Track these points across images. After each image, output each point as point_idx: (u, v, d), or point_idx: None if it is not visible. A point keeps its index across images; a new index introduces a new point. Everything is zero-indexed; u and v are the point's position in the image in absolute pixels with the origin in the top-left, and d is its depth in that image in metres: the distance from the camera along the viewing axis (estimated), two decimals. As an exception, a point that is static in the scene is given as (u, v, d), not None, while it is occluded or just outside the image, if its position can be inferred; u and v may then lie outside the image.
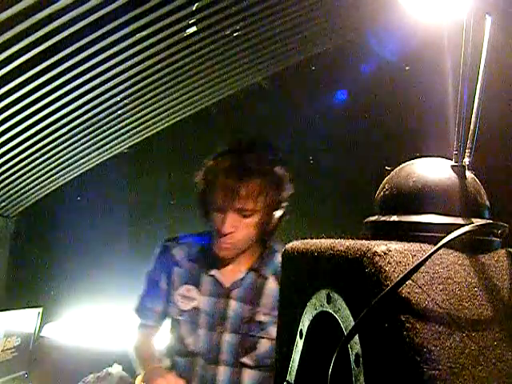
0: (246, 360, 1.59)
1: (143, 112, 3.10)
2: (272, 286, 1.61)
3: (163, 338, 1.76)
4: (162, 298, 1.68)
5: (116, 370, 2.74)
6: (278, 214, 1.56)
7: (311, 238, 0.76)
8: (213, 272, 1.63)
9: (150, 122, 3.28)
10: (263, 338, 1.58)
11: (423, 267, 0.58)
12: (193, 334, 1.60)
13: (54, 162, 3.14)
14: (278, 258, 1.62)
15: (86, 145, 3.13)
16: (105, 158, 3.44)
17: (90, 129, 2.97)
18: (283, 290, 0.83)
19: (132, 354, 1.74)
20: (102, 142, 3.21)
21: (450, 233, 0.61)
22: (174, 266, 1.66)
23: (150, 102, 3.00)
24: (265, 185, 1.50)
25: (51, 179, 3.34)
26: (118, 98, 2.79)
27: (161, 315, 1.71)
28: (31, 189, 3.32)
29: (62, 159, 3.16)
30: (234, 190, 1.47)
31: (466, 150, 0.73)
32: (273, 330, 1.57)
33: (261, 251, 1.64)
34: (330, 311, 0.66)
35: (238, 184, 1.48)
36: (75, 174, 3.46)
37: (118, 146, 3.38)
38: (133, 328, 1.80)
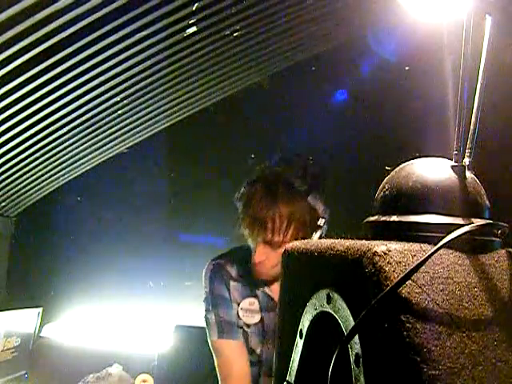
0: None
1: (143, 112, 3.10)
2: None
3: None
4: (233, 311, 1.65)
5: (116, 370, 2.74)
6: (315, 237, 1.53)
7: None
8: (263, 288, 1.64)
9: (149, 122, 3.28)
10: None
11: (423, 267, 0.58)
12: (262, 345, 1.62)
13: (53, 161, 3.14)
14: None
15: (86, 145, 3.13)
16: (105, 158, 3.44)
17: (90, 129, 2.97)
18: (283, 290, 0.83)
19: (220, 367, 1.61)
20: (101, 142, 3.21)
21: (450, 233, 0.61)
22: (230, 281, 1.66)
23: (149, 102, 3.00)
24: (294, 216, 1.47)
25: (51, 179, 3.34)
26: (118, 98, 2.79)
27: (239, 329, 1.64)
28: (31, 189, 3.32)
29: (61, 159, 3.16)
30: (261, 223, 1.47)
31: (466, 150, 0.73)
32: None
33: None
34: (330, 311, 0.66)
35: (266, 217, 1.47)
36: (75, 174, 3.46)
37: (117, 146, 3.38)
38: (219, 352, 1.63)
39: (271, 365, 1.55)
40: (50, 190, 3.47)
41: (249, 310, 1.63)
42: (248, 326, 1.63)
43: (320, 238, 1.55)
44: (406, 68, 2.95)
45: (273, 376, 1.53)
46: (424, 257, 0.57)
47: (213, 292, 1.67)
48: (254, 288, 1.65)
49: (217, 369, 1.62)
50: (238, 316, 1.63)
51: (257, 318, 1.62)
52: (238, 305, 1.64)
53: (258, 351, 1.62)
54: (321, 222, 1.53)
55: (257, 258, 1.53)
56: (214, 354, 1.64)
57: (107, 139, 3.21)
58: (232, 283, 1.66)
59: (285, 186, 1.49)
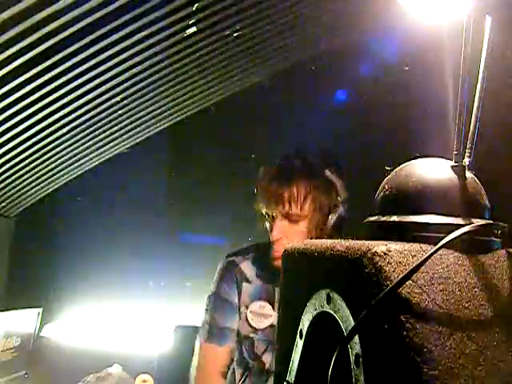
0: None
1: (143, 112, 3.10)
2: None
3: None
4: (236, 316, 1.58)
5: (116, 370, 2.73)
6: (332, 218, 1.48)
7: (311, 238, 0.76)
8: None
9: (150, 122, 3.28)
10: None
11: (423, 267, 0.58)
12: (269, 352, 1.52)
13: (54, 162, 3.14)
14: None
15: (86, 145, 3.13)
16: (105, 158, 3.44)
17: (90, 129, 2.97)
18: (283, 290, 0.83)
19: (194, 372, 1.62)
20: (101, 142, 3.21)
21: (449, 233, 0.61)
22: (243, 282, 1.58)
23: (149, 101, 3.00)
24: (311, 188, 1.45)
25: (51, 179, 3.34)
26: (118, 98, 2.79)
27: (234, 335, 1.59)
28: (31, 189, 3.32)
29: (61, 159, 3.16)
30: (278, 194, 1.44)
31: (466, 151, 0.73)
32: None
33: None
34: (330, 311, 0.66)
35: (282, 188, 1.44)
36: (75, 174, 3.46)
37: (117, 146, 3.38)
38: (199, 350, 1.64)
39: None
40: (50, 190, 3.47)
41: (258, 314, 1.54)
42: (255, 331, 1.54)
43: (339, 219, 1.50)
44: (406, 68, 2.95)
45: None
46: (424, 257, 0.57)
47: (218, 293, 1.61)
48: (272, 289, 1.55)
49: (193, 367, 1.62)
50: (247, 319, 1.55)
51: (266, 323, 1.53)
52: (247, 307, 1.56)
53: (264, 358, 1.53)
54: (339, 199, 1.50)
55: (274, 235, 1.45)
56: (195, 352, 1.63)
57: (107, 139, 3.20)
58: (244, 284, 1.58)
59: (301, 160, 1.51)
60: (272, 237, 1.47)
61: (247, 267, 1.61)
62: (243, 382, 1.57)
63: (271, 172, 1.49)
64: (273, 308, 1.54)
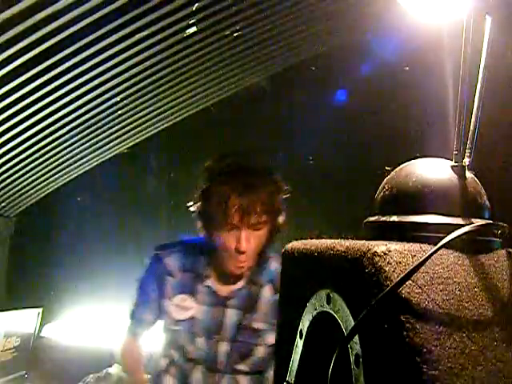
0: (242, 367, 1.61)
1: (143, 112, 3.10)
2: (268, 293, 1.62)
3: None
4: (154, 309, 1.67)
5: (116, 370, 2.73)
6: (280, 220, 1.57)
7: (311, 238, 0.76)
8: (209, 282, 1.62)
9: (150, 122, 3.28)
10: (260, 345, 1.60)
11: (423, 267, 0.58)
12: (192, 343, 1.61)
13: (54, 162, 3.14)
14: (273, 264, 1.64)
15: (86, 145, 3.13)
16: (105, 158, 3.44)
17: (90, 129, 2.97)
18: (283, 290, 0.83)
19: (119, 357, 1.78)
20: (102, 142, 3.21)
21: (449, 233, 0.61)
22: (167, 276, 1.65)
23: (150, 101, 3.00)
24: (270, 195, 1.51)
25: (51, 179, 3.34)
26: (118, 98, 2.79)
27: (151, 324, 1.72)
28: (31, 189, 3.32)
29: (61, 159, 3.16)
30: (248, 207, 1.47)
31: (466, 151, 0.73)
32: (269, 337, 1.59)
33: (256, 259, 1.63)
34: (330, 311, 0.66)
35: (251, 201, 1.47)
36: (75, 174, 3.46)
37: (118, 146, 3.38)
38: (122, 331, 1.82)
39: (205, 362, 1.59)
40: (50, 190, 3.47)
41: (180, 306, 1.62)
42: (177, 323, 1.62)
43: (282, 221, 1.57)
44: (406, 68, 2.95)
45: (211, 372, 1.58)
46: (424, 257, 0.57)
47: (142, 286, 1.71)
48: (195, 283, 1.63)
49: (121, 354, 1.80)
50: (170, 312, 1.63)
51: (187, 315, 1.61)
52: (171, 300, 1.63)
53: (190, 348, 1.61)
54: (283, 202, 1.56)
55: (245, 245, 1.49)
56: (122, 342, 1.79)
57: (107, 139, 3.21)
58: (168, 278, 1.64)
59: (256, 169, 1.55)
60: (241, 247, 1.50)
61: (171, 262, 1.66)
62: (168, 371, 1.66)
63: (231, 185, 1.50)
64: (194, 301, 1.61)
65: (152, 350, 1.84)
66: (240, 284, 1.62)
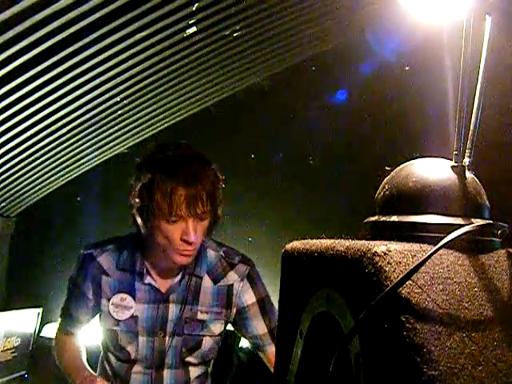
0: (190, 359, 1.59)
1: (143, 112, 3.10)
2: (208, 284, 1.59)
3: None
4: (89, 309, 1.63)
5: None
6: (219, 210, 1.54)
7: (311, 238, 0.76)
8: (147, 279, 1.57)
9: (149, 122, 3.28)
10: (205, 335, 1.58)
11: (423, 267, 0.58)
12: (133, 343, 1.57)
13: (54, 162, 3.14)
14: (210, 254, 1.61)
15: (86, 145, 3.13)
16: (105, 158, 3.44)
17: (90, 129, 2.97)
18: (283, 290, 0.83)
19: (57, 361, 1.70)
20: (102, 142, 3.21)
21: (449, 233, 0.61)
22: (102, 275, 1.60)
23: (149, 102, 3.00)
24: (213, 184, 1.49)
25: (51, 179, 3.34)
26: (118, 99, 2.79)
27: (84, 323, 1.68)
28: (31, 189, 3.32)
29: (61, 159, 3.16)
30: (195, 196, 1.43)
31: (466, 151, 0.73)
32: (214, 327, 1.58)
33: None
34: (330, 311, 0.66)
35: (197, 190, 1.44)
36: (75, 174, 3.46)
37: (118, 146, 3.38)
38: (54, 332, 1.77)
39: (147, 360, 1.56)
40: (50, 190, 3.47)
41: (120, 306, 1.57)
42: (117, 323, 1.57)
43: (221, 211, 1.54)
44: (406, 68, 2.95)
45: (158, 369, 1.56)
46: (424, 257, 0.57)
47: (74, 284, 1.66)
48: (133, 281, 1.58)
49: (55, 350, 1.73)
50: (109, 312, 1.57)
51: (127, 314, 1.56)
52: (109, 300, 1.58)
53: (129, 348, 1.56)
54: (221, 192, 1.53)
55: (193, 236, 1.44)
56: (54, 342, 1.74)
57: (107, 139, 3.21)
58: (104, 278, 1.59)
59: (197, 159, 1.50)
60: (189, 237, 1.45)
61: (106, 260, 1.61)
62: (112, 372, 1.61)
63: (175, 175, 1.44)
64: (133, 300, 1.57)
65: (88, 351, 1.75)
66: (179, 277, 1.57)
